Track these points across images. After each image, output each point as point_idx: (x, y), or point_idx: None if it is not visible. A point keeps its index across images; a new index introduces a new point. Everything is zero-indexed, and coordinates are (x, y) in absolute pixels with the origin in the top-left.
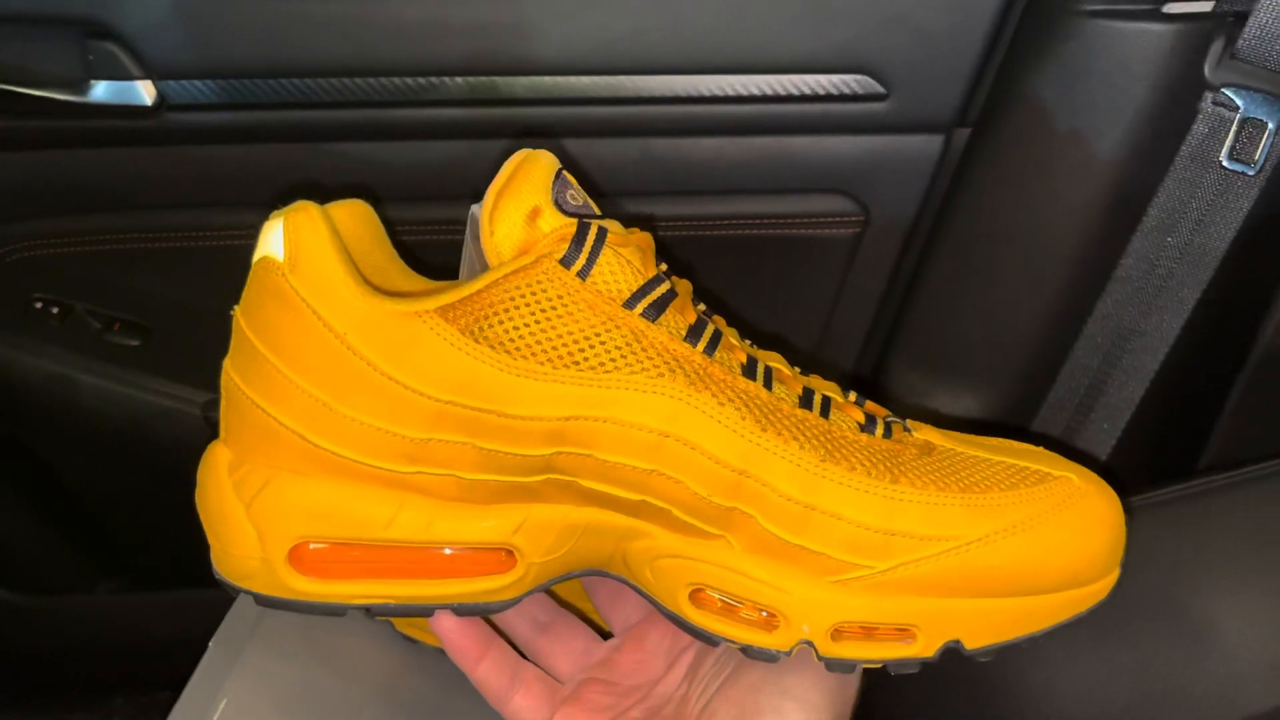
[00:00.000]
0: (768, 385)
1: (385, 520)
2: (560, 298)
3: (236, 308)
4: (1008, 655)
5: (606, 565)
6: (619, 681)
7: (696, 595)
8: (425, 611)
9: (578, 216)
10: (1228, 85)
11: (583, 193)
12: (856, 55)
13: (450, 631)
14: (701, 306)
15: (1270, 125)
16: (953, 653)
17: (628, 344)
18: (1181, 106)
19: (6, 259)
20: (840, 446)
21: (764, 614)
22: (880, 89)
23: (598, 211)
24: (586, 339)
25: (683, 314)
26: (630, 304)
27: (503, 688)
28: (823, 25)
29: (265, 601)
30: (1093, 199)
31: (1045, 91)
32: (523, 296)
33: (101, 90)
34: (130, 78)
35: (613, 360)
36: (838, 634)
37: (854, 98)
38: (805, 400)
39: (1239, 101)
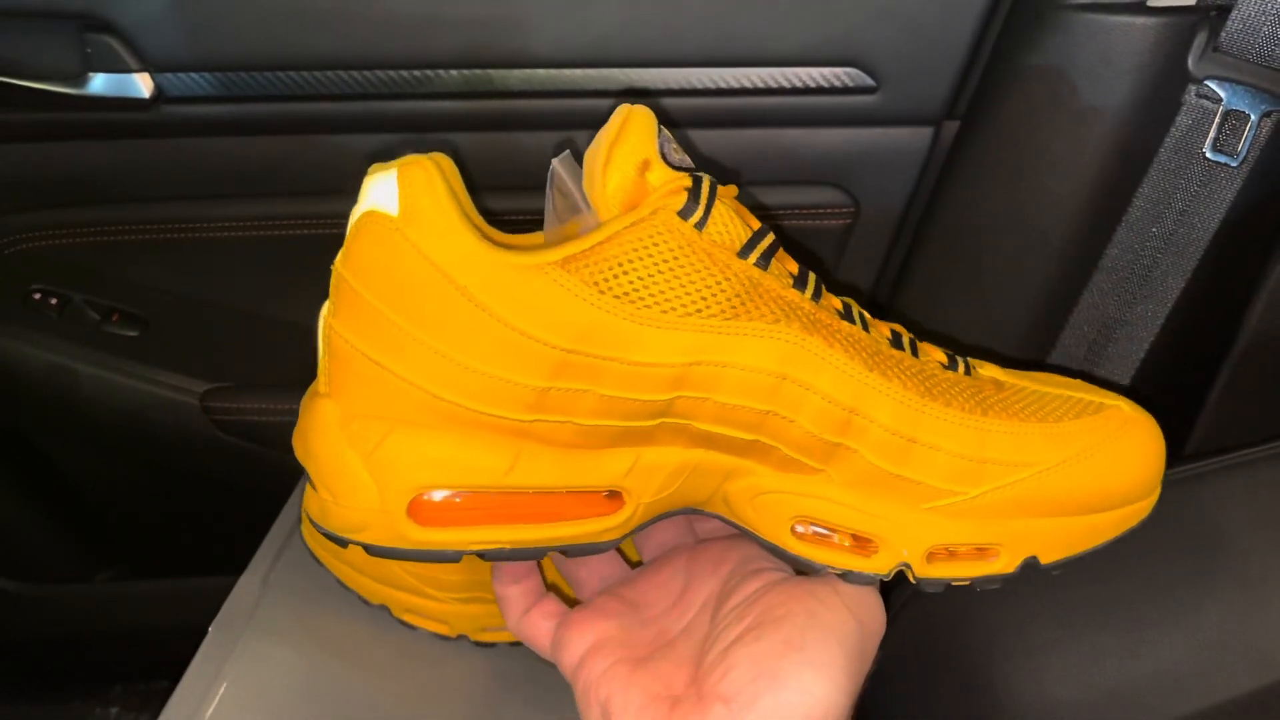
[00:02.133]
0: (865, 328)
1: (504, 468)
2: (681, 248)
3: (337, 262)
4: (993, 642)
5: (705, 504)
6: (636, 600)
7: (798, 527)
8: (537, 554)
9: (686, 171)
10: (1211, 78)
11: (680, 148)
12: (847, 49)
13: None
14: None
15: (1252, 117)
16: (1031, 567)
17: (745, 291)
18: (1165, 99)
19: (5, 251)
20: (935, 384)
21: (860, 541)
22: (870, 82)
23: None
24: (708, 287)
25: (785, 263)
26: (744, 254)
27: (521, 609)
28: (814, 19)
29: (377, 552)
30: (1078, 190)
31: (1032, 84)
32: (644, 247)
33: (99, 83)
34: (127, 70)
35: (732, 307)
36: (932, 556)
37: (844, 90)
38: (895, 341)
39: (1222, 94)
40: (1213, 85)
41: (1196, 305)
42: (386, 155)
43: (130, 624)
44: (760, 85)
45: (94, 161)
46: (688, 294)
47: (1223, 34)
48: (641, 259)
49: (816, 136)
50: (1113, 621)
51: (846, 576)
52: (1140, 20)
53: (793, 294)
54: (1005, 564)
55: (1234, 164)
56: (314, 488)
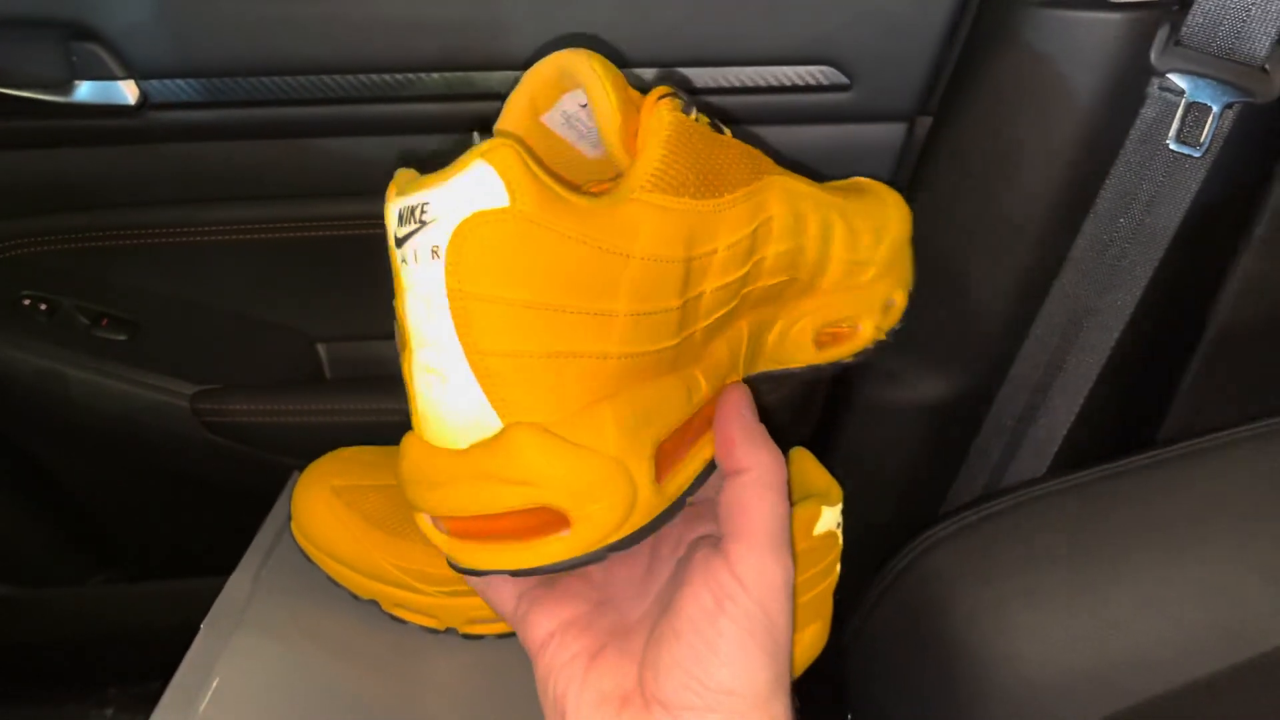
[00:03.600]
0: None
1: (685, 395)
2: (703, 139)
3: (453, 286)
4: (972, 624)
5: (750, 367)
6: (604, 581)
7: (819, 338)
8: (708, 474)
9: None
10: (1173, 71)
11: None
12: (820, 47)
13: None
14: None
15: (1214, 109)
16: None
17: (744, 158)
18: (1130, 92)
19: None
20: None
21: (851, 326)
22: (844, 80)
23: None
24: (729, 164)
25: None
26: (719, 130)
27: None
28: (787, 18)
29: (649, 530)
30: (1048, 182)
31: (1001, 80)
32: (682, 148)
33: (85, 90)
34: (113, 78)
35: (750, 173)
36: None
37: (819, 88)
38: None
39: (1184, 86)
40: (1175, 78)
41: (1165, 294)
42: (377, 164)
43: (124, 626)
44: (735, 84)
45: (82, 168)
46: (726, 174)
47: (1184, 28)
48: (687, 158)
49: (792, 134)
50: (1086, 604)
51: (862, 354)
52: (1104, 15)
53: (755, 153)
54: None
55: (1197, 155)
56: (569, 515)
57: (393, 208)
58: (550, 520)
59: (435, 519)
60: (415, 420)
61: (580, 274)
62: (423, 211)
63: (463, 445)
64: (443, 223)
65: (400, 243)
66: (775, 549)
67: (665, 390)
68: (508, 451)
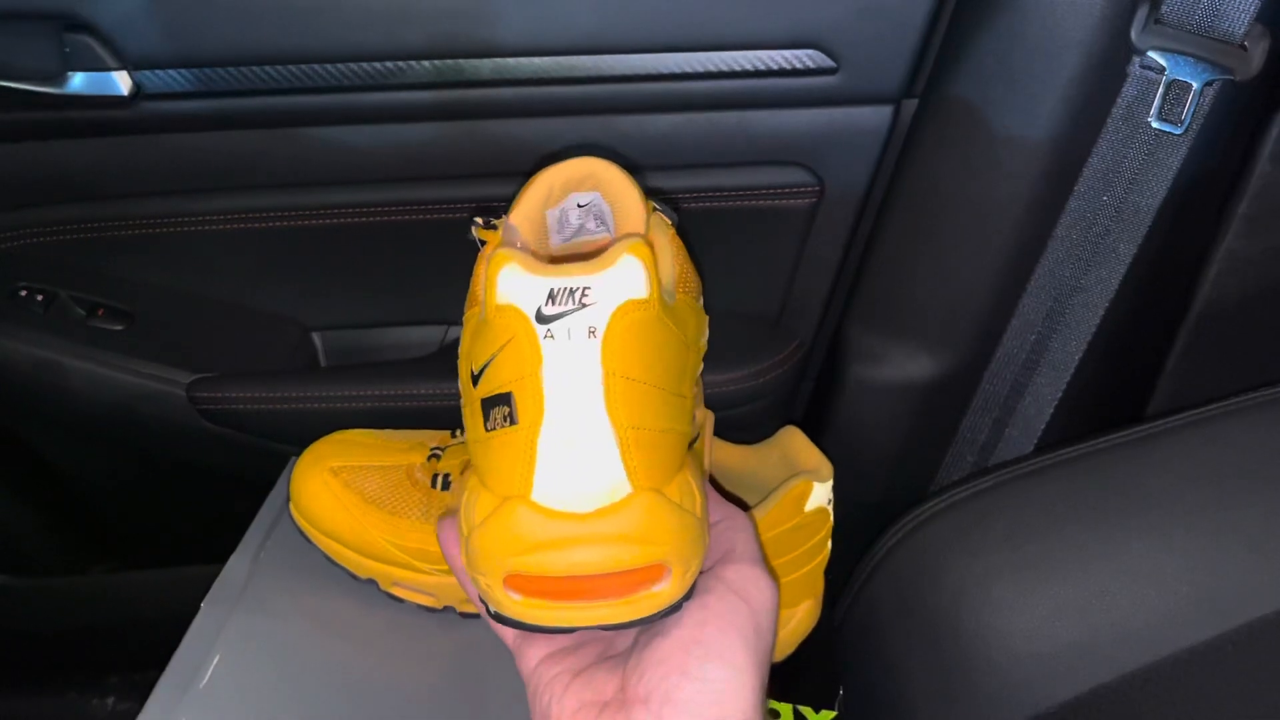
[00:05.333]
0: None
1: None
2: (675, 244)
3: (610, 364)
4: (961, 598)
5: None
6: None
7: None
8: None
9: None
10: (1154, 49)
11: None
12: (807, 30)
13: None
14: None
15: (1195, 86)
16: None
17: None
18: (1111, 71)
19: None
20: None
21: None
22: (830, 63)
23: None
24: (691, 271)
25: None
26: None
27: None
28: (773, 2)
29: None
30: (1032, 162)
31: (985, 61)
32: (671, 253)
33: (78, 82)
34: (106, 69)
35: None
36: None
37: (805, 72)
38: None
39: (1165, 64)
40: (1156, 56)
41: (1149, 272)
42: (369, 153)
43: (125, 614)
44: (724, 69)
45: (76, 159)
46: (692, 278)
47: (1164, 6)
48: (685, 264)
49: (780, 118)
50: (1073, 575)
51: None
52: None
53: None
54: None
55: (1178, 132)
56: (674, 571)
57: (539, 284)
58: (645, 578)
59: (513, 582)
60: (524, 487)
61: (675, 361)
62: (584, 294)
63: (587, 510)
64: (601, 306)
65: (546, 319)
66: (764, 569)
67: (688, 464)
68: (641, 514)
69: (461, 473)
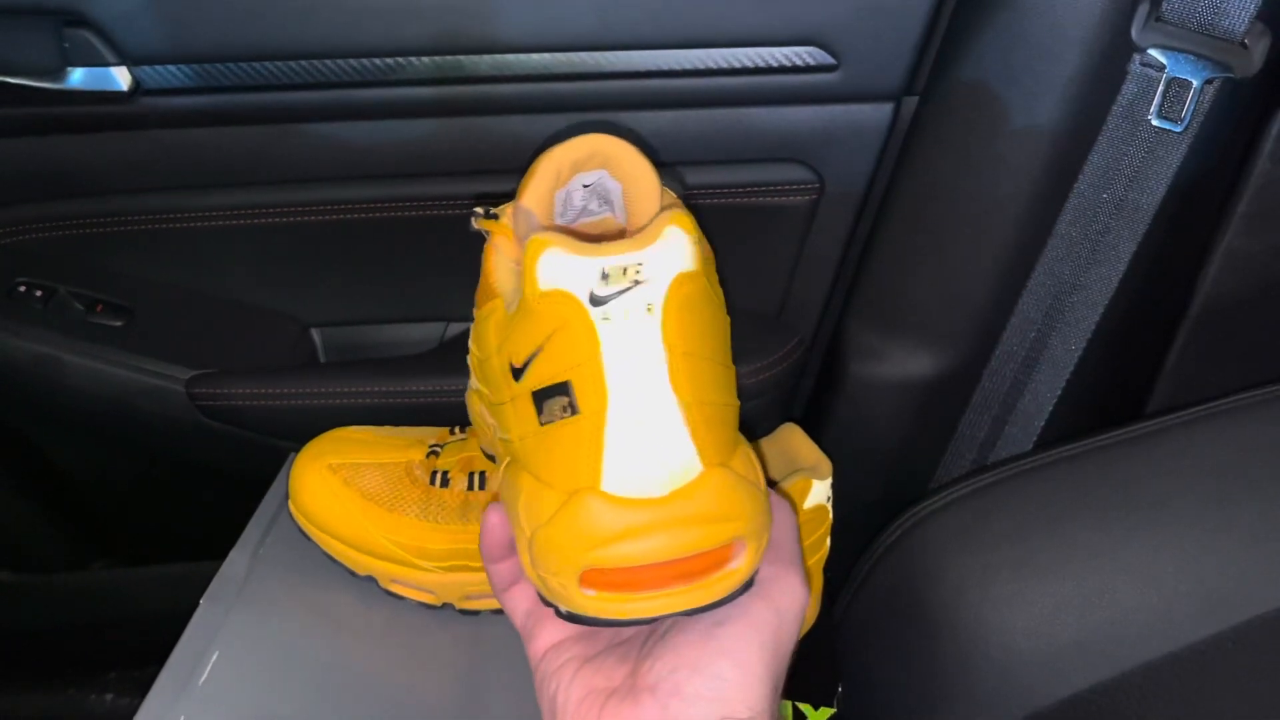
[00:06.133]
0: None
1: None
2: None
3: (671, 340)
4: (960, 595)
5: None
6: None
7: None
8: None
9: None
10: (1154, 46)
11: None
12: (807, 27)
13: (493, 527)
14: None
15: (1195, 84)
16: None
17: None
18: (1112, 68)
19: None
20: None
21: None
22: (830, 60)
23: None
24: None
25: None
26: None
27: (505, 583)
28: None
29: None
30: (1032, 160)
31: (986, 59)
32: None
33: (78, 77)
34: (105, 64)
35: None
36: None
37: (805, 69)
38: None
39: (1165, 62)
40: (1156, 54)
41: (1149, 270)
42: (368, 149)
43: (123, 611)
44: (724, 65)
45: (75, 155)
46: (706, 244)
47: (1165, 3)
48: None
49: (780, 115)
50: (1072, 573)
51: None
52: None
53: None
54: None
55: (1178, 130)
56: (749, 546)
57: (590, 264)
58: (722, 557)
59: (588, 578)
60: (592, 477)
61: (721, 332)
62: (637, 271)
63: (663, 494)
64: (656, 283)
65: (601, 301)
66: (799, 571)
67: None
68: (716, 492)
69: (463, 472)
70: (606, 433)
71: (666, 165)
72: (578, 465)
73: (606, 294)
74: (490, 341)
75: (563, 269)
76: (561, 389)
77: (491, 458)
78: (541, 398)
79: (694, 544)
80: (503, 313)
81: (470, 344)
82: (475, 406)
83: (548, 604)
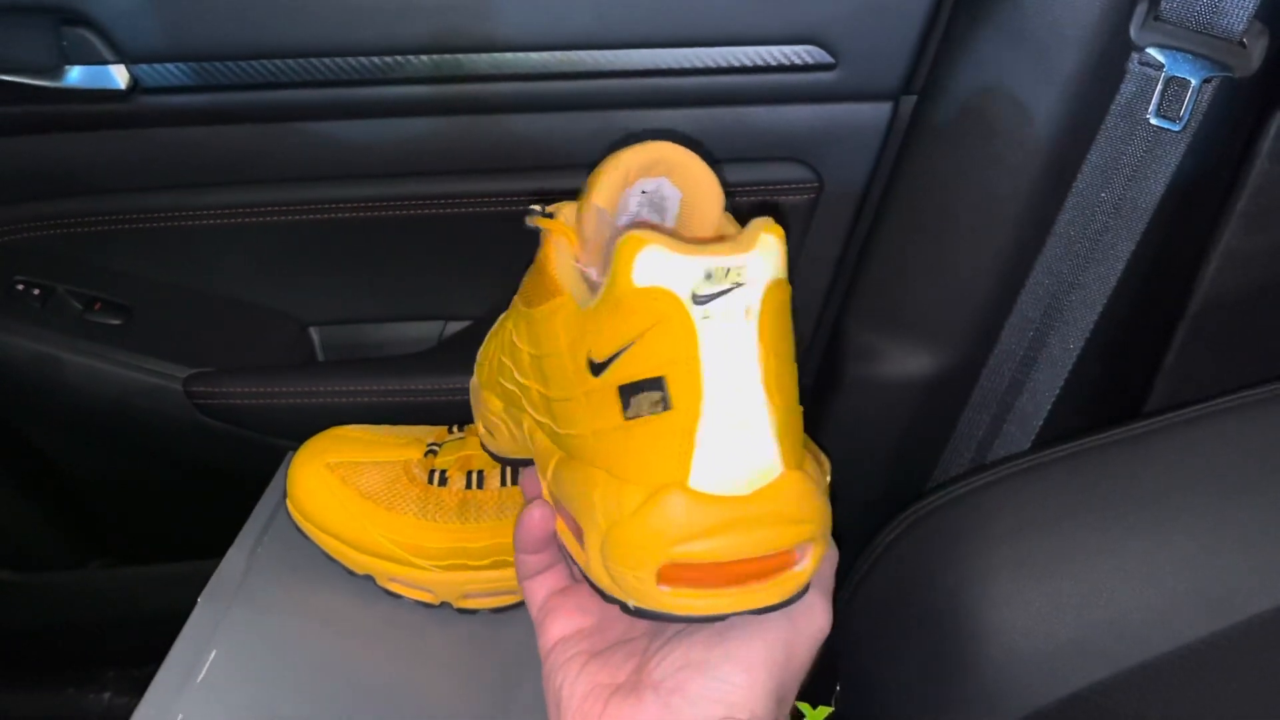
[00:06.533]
0: None
1: None
2: None
3: (766, 343)
4: (958, 594)
5: None
6: None
7: None
8: None
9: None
10: (1153, 45)
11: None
12: (806, 26)
13: (536, 521)
14: None
15: (1193, 83)
16: None
17: None
18: (1110, 67)
19: None
20: None
21: None
22: (829, 59)
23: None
24: None
25: None
26: None
27: (531, 571)
28: None
29: None
30: (1031, 159)
31: (984, 58)
32: None
33: (76, 75)
34: (103, 62)
35: None
36: None
37: (804, 68)
38: None
39: (1163, 61)
40: (1154, 53)
41: (1148, 269)
42: (367, 148)
43: (122, 610)
44: (723, 64)
45: (73, 153)
46: None
47: (1163, 3)
48: None
49: (779, 114)
50: (1071, 572)
51: None
52: None
53: None
54: None
55: (1177, 129)
56: (816, 547)
57: (694, 264)
58: (790, 559)
59: (665, 573)
60: (680, 473)
61: (793, 339)
62: (739, 273)
63: (748, 493)
64: (756, 286)
65: (703, 300)
66: (825, 597)
67: None
68: (795, 493)
69: (461, 471)
70: (699, 429)
71: None
72: (666, 461)
73: (708, 293)
74: (559, 337)
75: (663, 266)
76: (655, 384)
77: (495, 456)
78: (629, 392)
79: (771, 543)
80: (573, 308)
81: (514, 341)
82: (490, 404)
83: (609, 600)
